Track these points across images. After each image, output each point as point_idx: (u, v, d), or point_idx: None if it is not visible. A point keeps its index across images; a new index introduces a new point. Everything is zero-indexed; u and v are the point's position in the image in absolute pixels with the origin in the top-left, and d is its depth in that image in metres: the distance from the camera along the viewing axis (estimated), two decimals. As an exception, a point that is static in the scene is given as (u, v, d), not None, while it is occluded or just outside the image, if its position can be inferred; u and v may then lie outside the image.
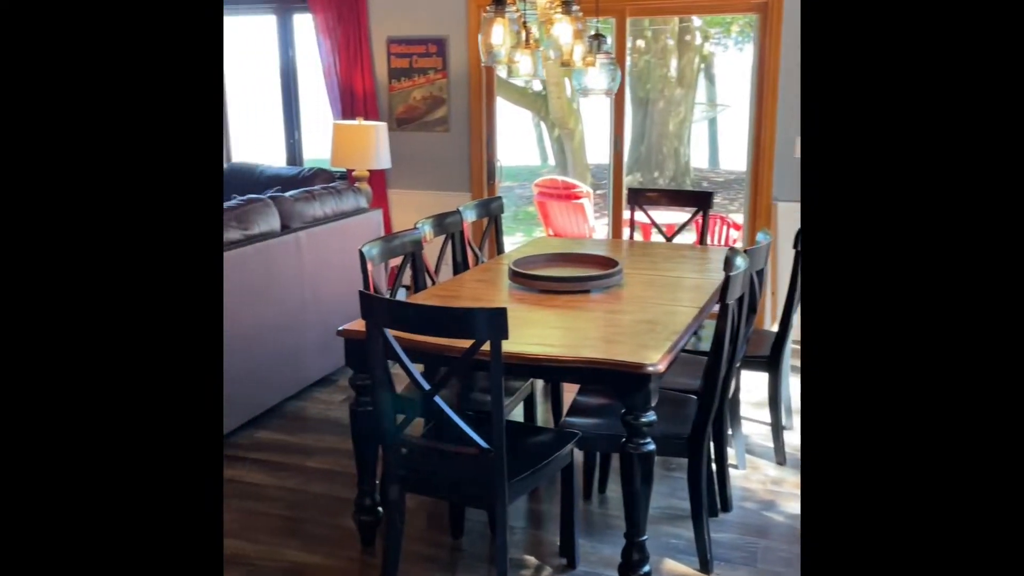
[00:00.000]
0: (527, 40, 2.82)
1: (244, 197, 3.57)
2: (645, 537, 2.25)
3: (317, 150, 5.41)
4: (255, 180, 4.96)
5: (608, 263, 3.00)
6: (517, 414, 3.22)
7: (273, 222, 3.54)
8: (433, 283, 3.07)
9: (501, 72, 3.00)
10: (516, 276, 2.86)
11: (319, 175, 4.86)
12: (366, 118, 4.92)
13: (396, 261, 3.25)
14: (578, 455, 2.53)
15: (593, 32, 3.16)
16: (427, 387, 2.08)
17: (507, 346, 2.11)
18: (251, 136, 5.75)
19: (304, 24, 5.26)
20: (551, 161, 11.01)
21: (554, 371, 2.25)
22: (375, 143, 4.63)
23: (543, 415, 3.49)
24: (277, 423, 3.51)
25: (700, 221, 3.84)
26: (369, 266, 2.64)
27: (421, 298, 2.76)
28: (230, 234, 3.29)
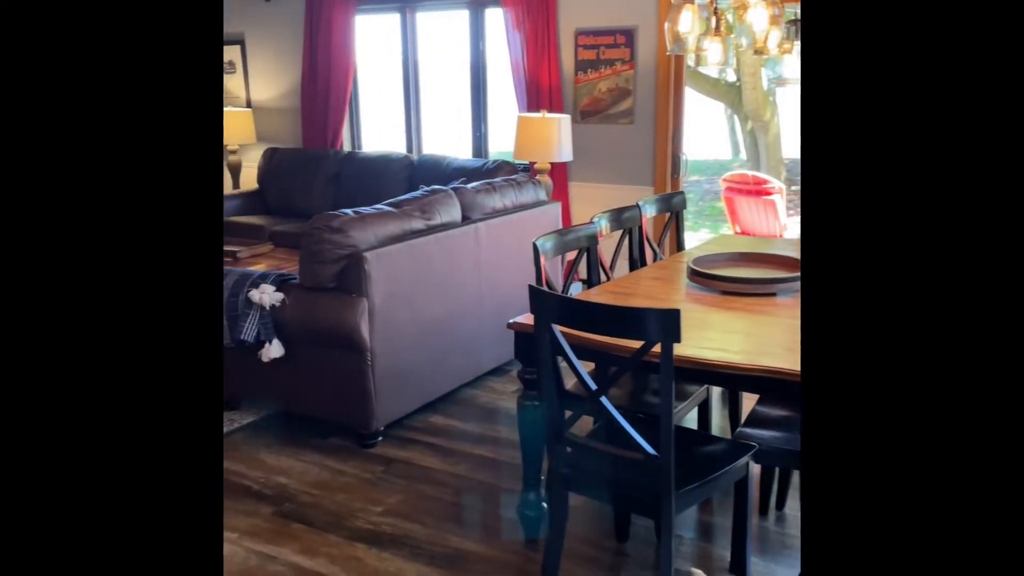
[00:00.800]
0: (717, 27, 2.68)
1: (428, 188, 3.67)
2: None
3: (502, 143, 5.48)
4: (442, 172, 5.11)
5: (798, 265, 2.79)
6: (690, 420, 3.09)
7: (454, 213, 3.61)
8: (608, 279, 3.00)
9: (689, 61, 2.86)
10: (695, 275, 2.73)
11: (502, 167, 4.92)
12: (550, 111, 4.92)
13: (573, 255, 3.21)
14: (755, 468, 2.37)
15: (791, 17, 2.95)
16: (594, 387, 2.02)
17: (681, 349, 2.01)
18: (440, 129, 5.93)
19: (495, 18, 5.35)
20: (743, 155, 10.54)
21: (731, 379, 2.11)
22: (558, 136, 4.61)
23: (719, 423, 3.33)
24: (451, 409, 3.59)
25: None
26: (542, 259, 2.61)
27: (594, 294, 2.70)
28: (413, 224, 3.40)
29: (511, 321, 2.41)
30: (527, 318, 2.35)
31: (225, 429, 3.38)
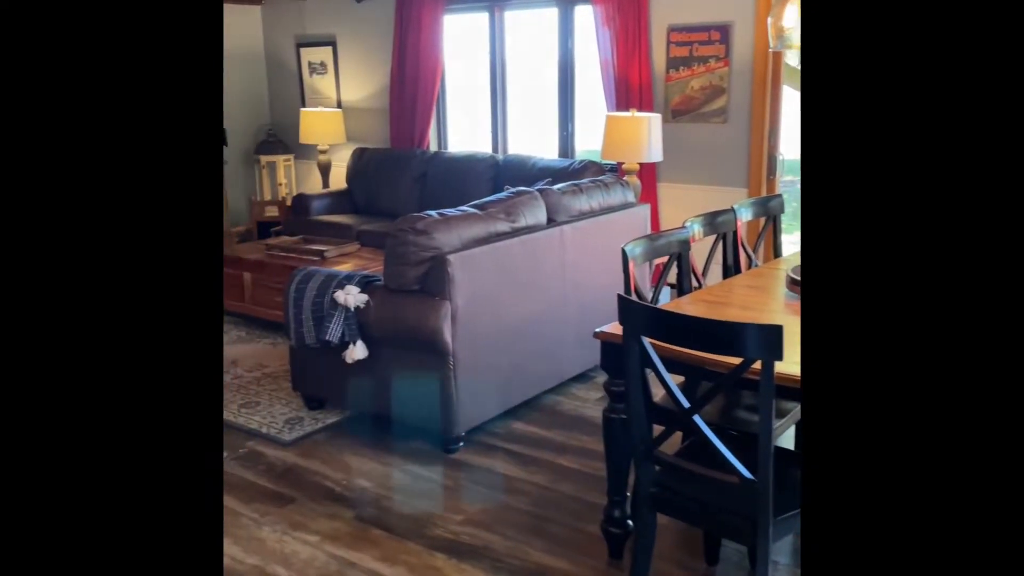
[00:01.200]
0: (824, 20, 2.50)
1: (513, 189, 3.60)
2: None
3: (589, 142, 5.38)
4: (527, 172, 5.04)
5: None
6: (787, 439, 2.92)
7: (540, 215, 3.54)
8: (700, 286, 2.86)
9: (790, 59, 2.70)
10: (794, 284, 2.57)
11: (589, 167, 4.81)
12: (640, 109, 4.79)
13: (662, 259, 3.09)
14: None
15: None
16: (686, 405, 1.90)
17: (781, 366, 1.87)
18: (526, 128, 5.86)
19: (584, 15, 5.24)
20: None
21: (835, 398, 1.96)
22: (647, 135, 4.48)
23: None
24: (533, 415, 3.52)
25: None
26: (631, 266, 2.50)
27: (685, 302, 2.57)
28: (498, 226, 3.33)
29: (597, 330, 2.32)
30: (614, 327, 2.25)
31: (309, 429, 3.40)
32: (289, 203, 5.93)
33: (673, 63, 4.82)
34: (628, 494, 2.47)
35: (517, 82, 5.77)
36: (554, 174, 4.77)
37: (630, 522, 2.46)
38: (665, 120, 4.79)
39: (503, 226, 3.36)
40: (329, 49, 6.43)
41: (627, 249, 2.52)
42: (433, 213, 3.23)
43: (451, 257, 3.05)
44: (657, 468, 2.06)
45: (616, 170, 4.91)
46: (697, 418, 1.89)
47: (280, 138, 6.67)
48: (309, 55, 6.57)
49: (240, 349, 4.41)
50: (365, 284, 3.25)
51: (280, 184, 6.60)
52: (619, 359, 2.19)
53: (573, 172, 4.78)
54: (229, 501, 2.84)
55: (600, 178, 4.14)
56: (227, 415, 3.53)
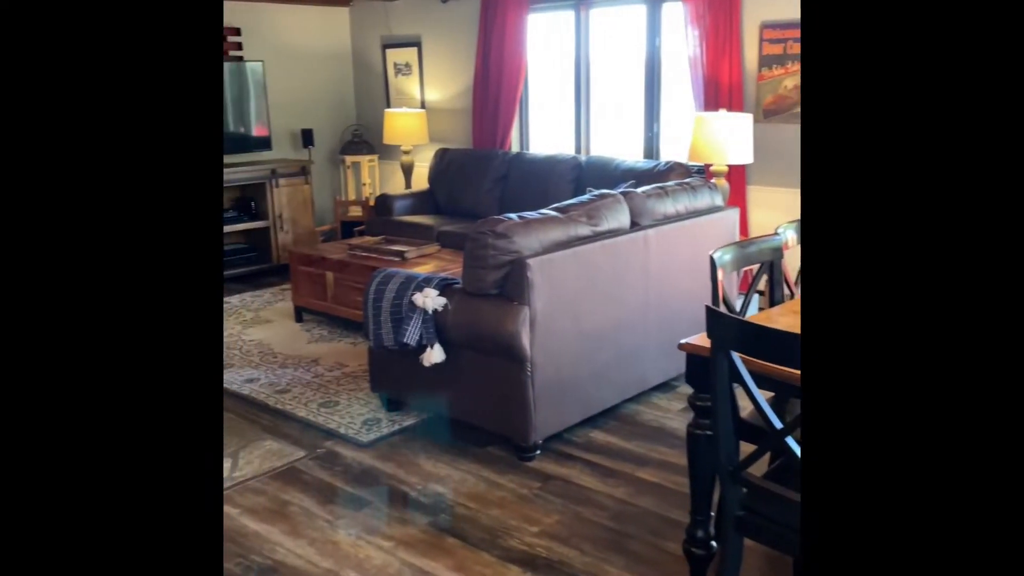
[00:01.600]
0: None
1: (596, 192, 3.51)
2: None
3: (675, 144, 5.23)
4: (610, 174, 4.93)
5: None
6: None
7: (623, 219, 3.43)
8: (792, 296, 2.71)
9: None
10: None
11: (675, 169, 4.67)
12: (730, 110, 4.62)
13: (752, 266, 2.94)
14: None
15: None
16: (779, 425, 1.78)
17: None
18: (610, 129, 5.75)
19: (672, 13, 5.10)
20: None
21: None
22: (737, 136, 4.31)
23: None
24: (612, 425, 3.42)
25: None
26: (720, 274, 2.38)
27: (776, 313, 2.43)
28: (579, 229, 3.25)
29: (683, 342, 2.21)
30: (701, 339, 2.13)
31: (386, 431, 3.39)
32: (372, 203, 5.99)
33: (766, 61, 4.63)
34: (712, 514, 2.35)
35: (601, 81, 5.66)
36: (638, 176, 4.65)
37: (714, 543, 2.34)
38: (756, 120, 4.61)
39: (584, 229, 3.27)
40: (414, 50, 6.47)
41: (716, 257, 2.40)
42: (513, 216, 3.17)
43: (530, 261, 2.98)
44: (744, 491, 1.94)
45: (703, 172, 4.75)
46: (790, 439, 1.77)
47: (365, 139, 6.75)
48: (394, 56, 6.62)
49: (321, 348, 4.46)
50: (444, 287, 3.22)
51: (364, 184, 6.68)
52: (705, 373, 2.08)
53: (658, 174, 4.65)
54: (306, 502, 2.85)
55: (686, 180, 4.00)
56: (306, 414, 3.56)
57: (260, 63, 6.14)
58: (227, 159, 5.98)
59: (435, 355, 3.17)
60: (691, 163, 4.68)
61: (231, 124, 6.08)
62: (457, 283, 3.23)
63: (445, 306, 3.15)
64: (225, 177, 5.87)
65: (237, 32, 6.18)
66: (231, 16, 6.14)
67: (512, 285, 3.01)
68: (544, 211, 3.29)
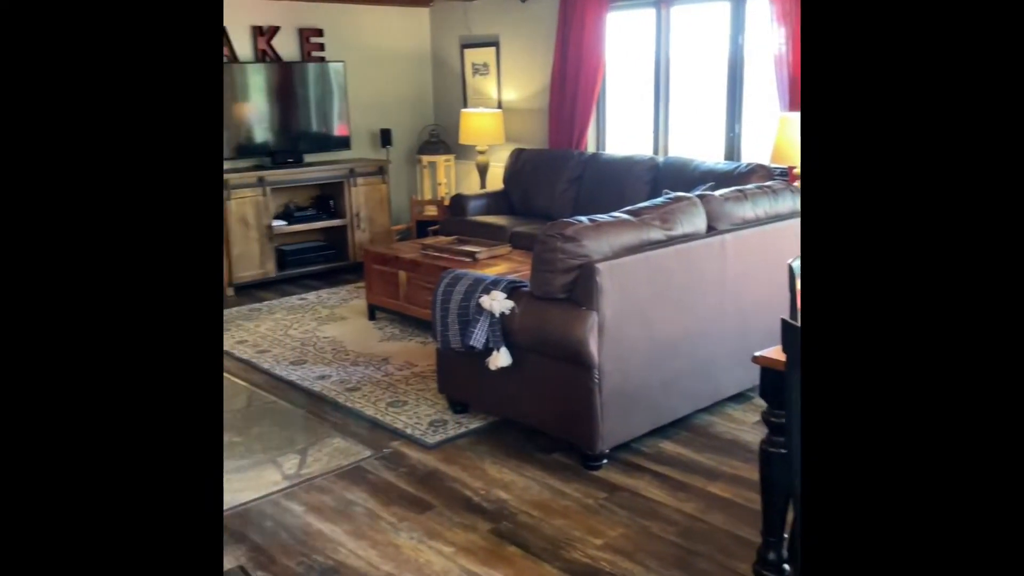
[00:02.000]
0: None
1: (671, 195, 3.41)
2: None
3: (757, 145, 5.05)
4: (688, 175, 4.80)
5: None
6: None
7: (699, 223, 3.32)
8: (878, 308, 2.56)
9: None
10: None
11: (756, 172, 4.51)
12: (815, 109, 4.42)
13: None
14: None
15: None
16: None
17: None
18: (689, 130, 5.60)
19: (757, 10, 4.93)
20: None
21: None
22: (823, 137, 4.12)
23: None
24: (683, 436, 3.31)
25: None
26: (798, 284, 2.26)
27: (861, 326, 2.30)
28: (652, 234, 3.16)
29: (756, 355, 2.10)
30: (776, 352, 2.03)
31: (452, 433, 3.37)
32: (447, 203, 6.00)
33: (855, 59, 4.42)
34: (785, 535, 2.23)
35: (681, 81, 5.52)
36: (717, 178, 4.50)
37: (787, 566, 2.23)
38: (844, 121, 4.40)
39: (657, 234, 3.17)
40: (492, 50, 6.45)
41: (794, 266, 2.27)
42: (584, 219, 3.10)
43: (600, 266, 2.91)
44: (820, 515, 1.83)
45: (786, 175, 4.57)
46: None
47: (442, 138, 6.78)
48: (472, 56, 6.63)
49: (392, 347, 4.48)
50: (511, 290, 3.17)
51: (440, 184, 6.70)
52: (780, 388, 1.97)
53: (738, 176, 4.50)
54: (370, 502, 2.85)
55: (768, 184, 3.85)
56: (374, 412, 3.57)
57: (341, 63, 6.23)
58: (307, 158, 6.09)
59: (501, 359, 3.12)
60: (773, 165, 4.51)
61: (314, 124, 6.19)
62: (525, 286, 3.18)
63: (512, 309, 3.10)
64: (305, 176, 5.99)
65: (319, 33, 6.29)
66: (314, 17, 6.25)
67: (581, 290, 2.94)
68: (616, 214, 3.21)
